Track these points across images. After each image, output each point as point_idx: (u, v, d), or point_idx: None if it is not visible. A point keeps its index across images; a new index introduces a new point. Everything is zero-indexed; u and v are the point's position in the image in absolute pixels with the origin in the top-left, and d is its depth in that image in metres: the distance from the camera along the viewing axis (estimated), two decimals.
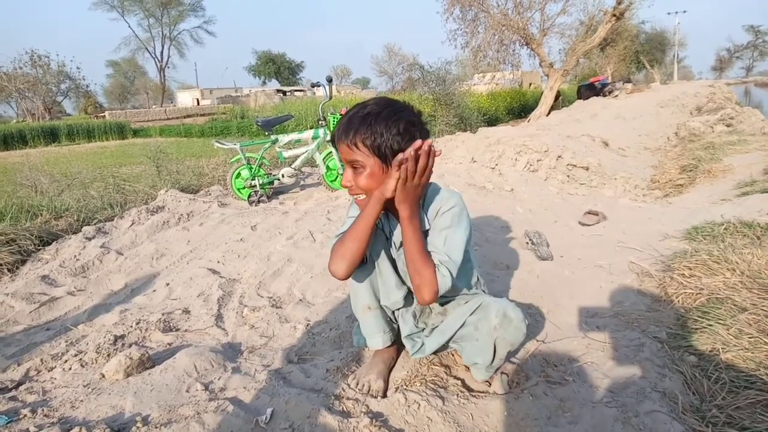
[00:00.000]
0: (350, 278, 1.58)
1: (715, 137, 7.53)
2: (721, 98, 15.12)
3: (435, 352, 1.72)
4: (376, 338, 1.69)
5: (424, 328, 1.71)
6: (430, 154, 1.36)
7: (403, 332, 1.70)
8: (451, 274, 1.43)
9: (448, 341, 1.63)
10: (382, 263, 1.59)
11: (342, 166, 5.34)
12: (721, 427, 1.39)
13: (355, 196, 1.50)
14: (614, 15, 15.02)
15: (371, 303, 1.65)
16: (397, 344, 1.78)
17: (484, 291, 1.76)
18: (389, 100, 1.48)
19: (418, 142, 1.34)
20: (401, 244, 1.54)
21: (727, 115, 9.31)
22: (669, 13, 45.81)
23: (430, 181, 1.52)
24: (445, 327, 1.63)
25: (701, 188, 4.98)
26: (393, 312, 1.71)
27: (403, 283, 1.63)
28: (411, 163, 1.34)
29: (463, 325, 1.58)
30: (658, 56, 38.12)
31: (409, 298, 1.66)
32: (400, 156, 1.35)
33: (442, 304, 1.69)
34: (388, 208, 1.55)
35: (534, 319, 2.17)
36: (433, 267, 1.42)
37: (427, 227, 1.53)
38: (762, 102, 22.07)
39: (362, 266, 1.57)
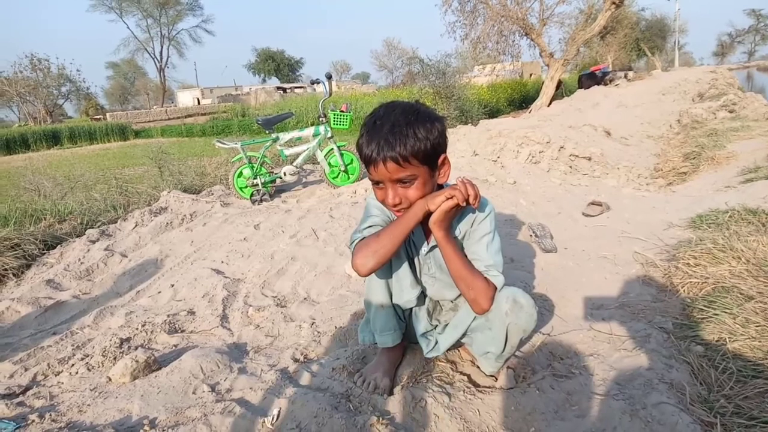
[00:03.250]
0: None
1: (717, 124, 7.48)
2: (723, 84, 15.03)
3: (448, 350, 1.72)
4: (387, 336, 1.69)
5: (437, 325, 1.71)
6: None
7: (418, 331, 1.70)
8: (500, 273, 1.47)
9: (461, 336, 1.63)
10: (398, 262, 1.59)
11: (345, 163, 5.33)
12: (729, 417, 1.38)
13: (397, 209, 1.46)
14: (614, 2, 14.89)
15: (384, 301, 1.64)
16: (404, 343, 1.78)
17: None
18: (403, 102, 1.44)
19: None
20: (430, 249, 1.57)
21: (729, 101, 9.26)
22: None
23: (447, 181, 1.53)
24: (457, 322, 1.63)
25: (705, 176, 4.96)
26: (404, 311, 1.70)
27: (418, 283, 1.63)
28: (465, 187, 1.36)
29: (474, 317, 1.57)
30: (659, 43, 37.83)
31: (421, 297, 1.66)
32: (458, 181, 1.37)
33: (452, 300, 1.69)
34: None
35: (539, 312, 2.16)
36: (482, 276, 1.45)
37: (456, 234, 1.52)
38: (765, 86, 21.93)
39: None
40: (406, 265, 1.59)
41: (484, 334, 1.56)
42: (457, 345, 1.71)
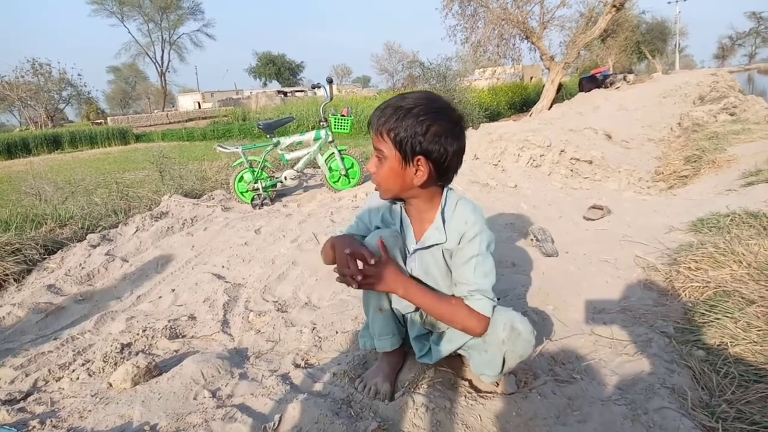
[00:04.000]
0: None
1: (718, 127, 7.47)
2: (724, 87, 15.02)
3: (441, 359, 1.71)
4: (385, 340, 1.69)
5: (431, 331, 1.70)
6: (366, 261, 1.41)
7: (411, 334, 1.70)
8: (486, 296, 1.44)
9: (456, 350, 1.62)
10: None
11: (346, 167, 5.35)
12: (732, 422, 1.37)
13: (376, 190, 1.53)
14: (614, 6, 14.94)
15: (383, 305, 1.64)
16: (404, 348, 1.77)
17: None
18: (432, 96, 1.44)
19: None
20: (413, 252, 1.57)
21: (730, 103, 9.24)
22: (669, 2, 45.46)
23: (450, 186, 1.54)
24: (452, 336, 1.60)
25: (706, 179, 4.95)
26: (403, 315, 1.70)
27: None
28: (341, 268, 1.43)
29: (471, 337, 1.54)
30: (660, 46, 37.92)
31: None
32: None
33: None
34: (407, 210, 1.58)
35: (540, 316, 2.16)
36: (462, 303, 1.45)
37: (444, 241, 1.50)
38: (766, 89, 21.96)
39: None
40: (404, 270, 1.58)
41: (481, 356, 1.53)
42: (455, 354, 1.69)
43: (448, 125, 1.40)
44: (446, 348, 1.61)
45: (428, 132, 1.37)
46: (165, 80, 46.69)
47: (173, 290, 2.98)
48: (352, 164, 5.44)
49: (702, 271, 2.23)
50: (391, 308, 1.66)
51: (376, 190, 1.53)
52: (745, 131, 6.51)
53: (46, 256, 3.61)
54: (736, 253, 2.25)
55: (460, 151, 1.44)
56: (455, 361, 1.81)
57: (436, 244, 1.52)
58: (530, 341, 1.46)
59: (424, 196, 1.51)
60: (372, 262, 1.41)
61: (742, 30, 65.03)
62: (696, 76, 18.64)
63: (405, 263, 1.59)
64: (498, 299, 1.53)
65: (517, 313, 1.49)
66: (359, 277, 1.39)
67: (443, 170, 1.44)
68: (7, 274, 3.24)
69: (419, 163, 1.41)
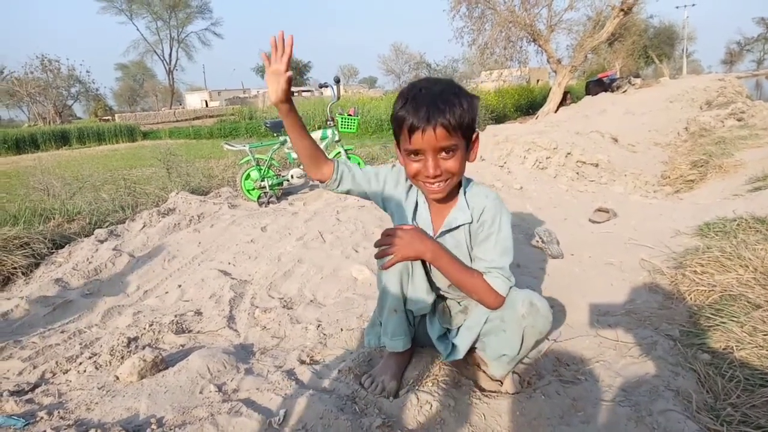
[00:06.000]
0: (380, 279, 1.62)
1: (725, 132, 7.45)
2: (731, 92, 14.95)
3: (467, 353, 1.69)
4: (398, 341, 1.68)
5: (449, 329, 1.71)
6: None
7: (433, 336, 1.70)
8: (503, 275, 1.46)
9: (476, 338, 1.61)
10: (416, 269, 1.58)
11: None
12: (736, 426, 1.38)
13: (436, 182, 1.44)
14: (622, 10, 14.92)
15: (398, 306, 1.64)
16: (413, 348, 1.78)
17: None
18: (437, 78, 1.44)
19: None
20: (440, 234, 1.57)
21: (737, 109, 9.21)
22: (677, 7, 45.31)
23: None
24: (471, 323, 1.61)
25: (712, 184, 4.94)
26: (414, 317, 1.71)
27: (432, 289, 1.63)
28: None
29: (487, 320, 1.55)
30: (667, 51, 37.78)
31: (434, 303, 1.66)
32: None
33: (459, 302, 1.69)
34: (426, 199, 1.58)
35: None
36: (482, 277, 1.46)
37: (470, 221, 1.52)
38: None
39: (394, 269, 1.54)
40: (422, 272, 1.59)
41: (499, 336, 1.53)
42: (470, 350, 1.70)
43: (475, 95, 1.41)
44: (469, 337, 1.60)
45: (471, 106, 1.37)
46: (173, 78, 46.79)
47: (180, 286, 3.00)
48: (359, 164, 5.45)
49: (708, 275, 2.23)
50: (405, 310, 1.67)
51: (436, 187, 1.45)
52: (753, 137, 6.49)
53: (53, 251, 3.64)
54: (742, 257, 2.25)
55: None
56: (460, 360, 1.81)
57: (463, 224, 1.53)
58: (548, 318, 1.47)
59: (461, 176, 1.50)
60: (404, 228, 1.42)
61: (751, 35, 64.67)
62: (703, 81, 18.54)
63: (422, 263, 1.59)
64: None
65: (534, 292, 1.50)
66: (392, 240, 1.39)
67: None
68: (15, 268, 3.26)
69: (477, 138, 1.45)
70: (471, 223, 1.52)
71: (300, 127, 1.52)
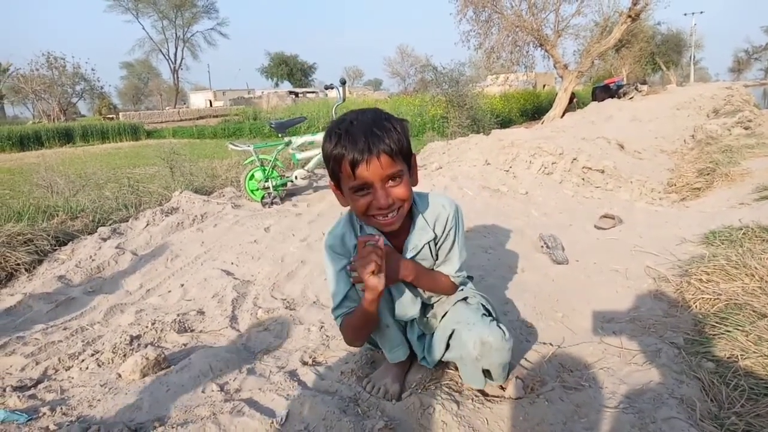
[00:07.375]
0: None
1: (732, 140, 7.41)
2: (738, 100, 14.91)
3: (440, 362, 1.71)
4: (398, 351, 1.69)
5: (424, 333, 1.74)
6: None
7: (412, 338, 1.72)
8: (461, 275, 1.67)
9: (445, 351, 1.62)
10: (395, 287, 1.60)
11: None
12: None
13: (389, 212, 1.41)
14: (630, 16, 14.91)
15: (388, 320, 1.64)
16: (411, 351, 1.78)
17: (470, 279, 1.80)
18: (363, 109, 1.41)
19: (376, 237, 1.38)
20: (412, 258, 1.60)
21: (745, 117, 9.17)
22: (686, 14, 45.23)
23: (416, 190, 1.55)
24: (437, 337, 1.64)
25: (719, 192, 4.91)
26: (404, 323, 1.72)
27: (416, 296, 1.65)
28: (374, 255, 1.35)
29: (451, 335, 1.57)
30: (674, 58, 37.70)
31: (421, 309, 1.68)
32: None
33: (432, 305, 1.75)
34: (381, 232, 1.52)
35: (549, 323, 2.16)
36: (448, 279, 1.66)
37: (433, 236, 1.57)
38: None
39: None
40: (401, 286, 1.61)
41: (464, 369, 1.60)
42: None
43: (399, 119, 1.41)
44: (438, 350, 1.63)
45: (404, 129, 1.38)
46: (177, 77, 46.96)
47: (182, 285, 3.00)
48: None
49: (713, 284, 2.21)
50: (395, 320, 1.67)
51: (390, 218, 1.42)
52: (760, 145, 6.46)
53: (57, 248, 3.64)
54: (748, 266, 2.23)
55: None
56: None
57: (428, 242, 1.58)
58: (504, 348, 1.48)
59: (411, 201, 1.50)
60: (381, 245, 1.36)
61: (759, 44, 64.45)
62: (710, 89, 18.50)
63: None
64: (471, 278, 1.79)
65: (486, 326, 1.50)
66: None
67: None
68: (18, 264, 3.27)
69: (415, 161, 1.47)
70: (435, 237, 1.58)
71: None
